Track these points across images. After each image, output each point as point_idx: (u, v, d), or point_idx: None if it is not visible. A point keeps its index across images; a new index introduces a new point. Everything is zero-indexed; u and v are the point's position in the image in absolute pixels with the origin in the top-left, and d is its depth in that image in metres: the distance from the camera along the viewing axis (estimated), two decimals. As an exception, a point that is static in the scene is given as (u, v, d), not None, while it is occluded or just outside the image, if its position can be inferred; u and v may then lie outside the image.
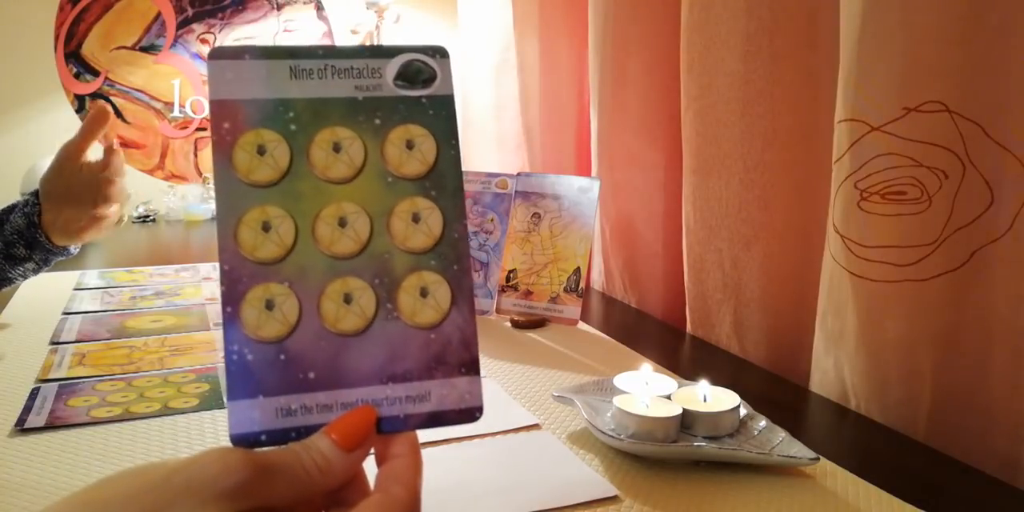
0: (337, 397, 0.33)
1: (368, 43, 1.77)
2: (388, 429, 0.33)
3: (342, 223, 0.34)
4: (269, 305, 0.32)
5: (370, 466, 0.33)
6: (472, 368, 0.34)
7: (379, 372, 0.33)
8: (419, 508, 0.31)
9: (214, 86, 0.33)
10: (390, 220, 0.34)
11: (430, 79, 0.35)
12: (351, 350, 0.33)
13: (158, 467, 0.29)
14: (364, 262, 0.34)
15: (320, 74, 0.34)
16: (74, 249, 0.87)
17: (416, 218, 0.34)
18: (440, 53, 0.35)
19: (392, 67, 0.35)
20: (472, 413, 0.34)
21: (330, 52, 0.34)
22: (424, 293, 0.34)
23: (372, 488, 0.32)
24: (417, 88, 0.35)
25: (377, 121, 0.34)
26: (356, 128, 0.34)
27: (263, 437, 0.32)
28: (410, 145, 0.35)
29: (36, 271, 0.86)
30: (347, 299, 0.33)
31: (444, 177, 0.35)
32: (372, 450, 0.33)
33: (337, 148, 0.34)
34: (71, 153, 0.80)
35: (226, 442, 0.32)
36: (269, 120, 0.33)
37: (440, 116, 0.35)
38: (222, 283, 0.32)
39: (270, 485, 0.29)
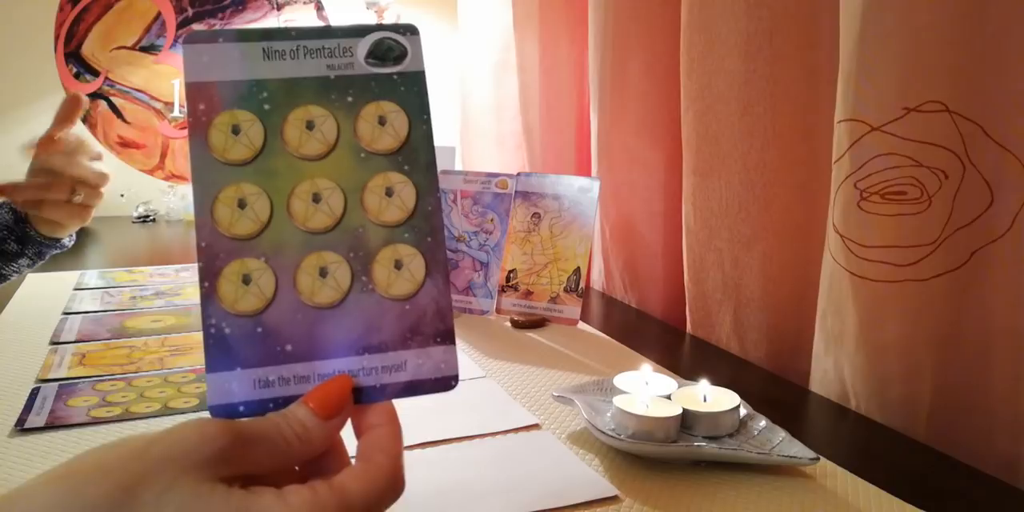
0: (314, 368, 0.33)
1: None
2: (365, 399, 0.33)
3: (316, 199, 0.34)
4: (246, 280, 0.33)
5: (350, 443, 0.33)
6: (447, 338, 0.35)
7: (355, 343, 0.34)
8: (403, 475, 0.32)
9: (190, 69, 0.34)
10: (364, 195, 0.35)
11: (401, 56, 0.36)
12: (327, 322, 0.34)
13: (137, 439, 0.29)
14: (339, 236, 0.34)
15: (292, 54, 0.35)
16: (68, 241, 0.86)
17: (389, 192, 0.35)
18: (410, 30, 0.36)
19: (363, 46, 0.35)
20: (448, 382, 0.35)
21: (302, 33, 0.35)
22: (398, 265, 0.35)
23: (351, 458, 0.32)
24: (388, 65, 0.36)
25: (349, 99, 0.35)
26: (329, 106, 0.35)
27: (241, 408, 0.32)
28: (382, 121, 0.35)
29: (31, 266, 0.85)
30: (323, 273, 0.34)
31: (417, 152, 0.35)
32: (350, 420, 0.33)
33: (310, 126, 0.35)
34: (35, 144, 0.78)
35: None
36: (243, 100, 0.34)
37: (412, 92, 0.36)
38: (199, 259, 0.33)
39: (249, 453, 0.30)
